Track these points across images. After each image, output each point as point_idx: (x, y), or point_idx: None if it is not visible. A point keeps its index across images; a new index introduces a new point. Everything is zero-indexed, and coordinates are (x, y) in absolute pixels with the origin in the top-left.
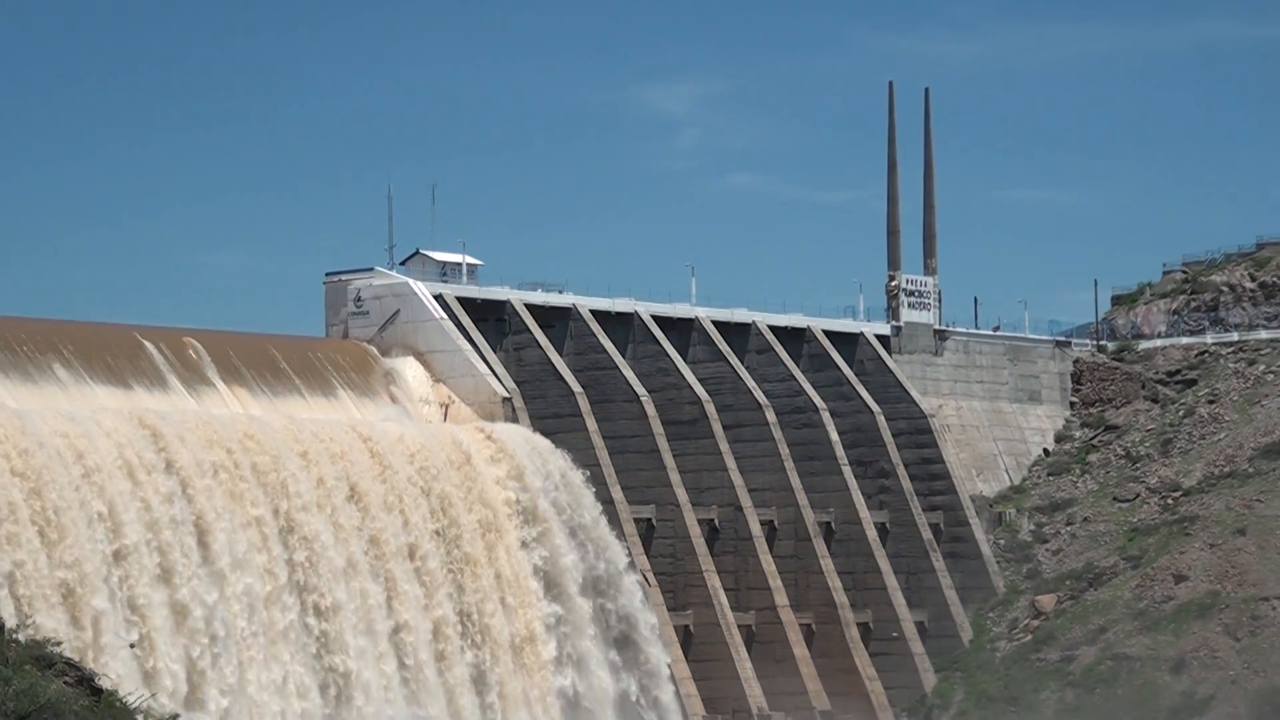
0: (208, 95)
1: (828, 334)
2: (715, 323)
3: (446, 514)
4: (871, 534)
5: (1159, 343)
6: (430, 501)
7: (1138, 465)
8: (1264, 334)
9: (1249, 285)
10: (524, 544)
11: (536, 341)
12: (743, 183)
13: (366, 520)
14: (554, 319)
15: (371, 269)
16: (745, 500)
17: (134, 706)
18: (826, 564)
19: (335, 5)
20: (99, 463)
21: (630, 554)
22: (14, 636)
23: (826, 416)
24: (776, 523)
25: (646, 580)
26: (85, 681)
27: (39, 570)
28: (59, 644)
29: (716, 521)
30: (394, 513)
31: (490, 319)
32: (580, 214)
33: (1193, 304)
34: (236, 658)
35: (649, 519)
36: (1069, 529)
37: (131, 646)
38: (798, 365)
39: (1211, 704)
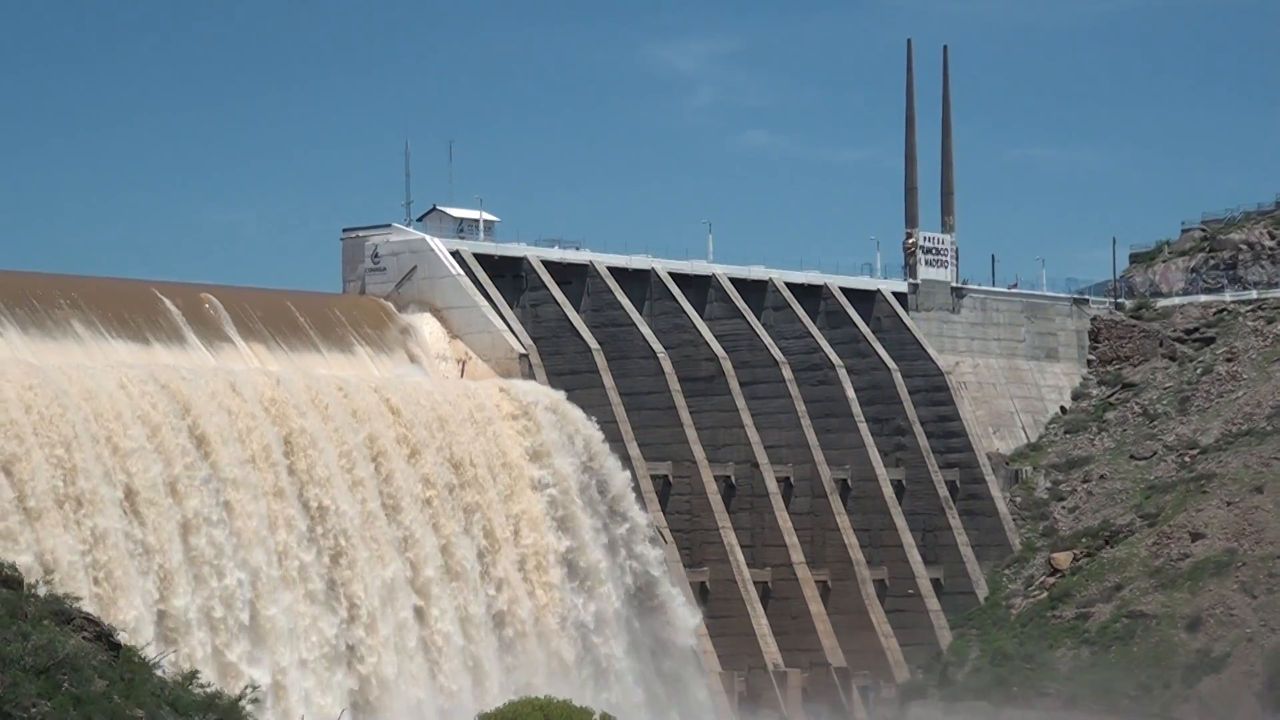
0: (226, 51)
1: (845, 291)
2: (732, 280)
3: (464, 469)
4: (888, 491)
5: (1177, 300)
6: (447, 457)
7: (1155, 423)
8: None
9: (1268, 243)
10: (541, 499)
11: (553, 298)
12: (758, 140)
13: (384, 475)
14: (571, 276)
15: (389, 225)
16: (762, 457)
17: (153, 661)
18: (843, 521)
19: None
20: (117, 418)
21: (647, 510)
22: (33, 591)
23: (843, 374)
24: (793, 480)
25: (663, 537)
26: (104, 636)
27: (57, 525)
28: (78, 599)
29: (733, 478)
30: (411, 468)
31: (507, 275)
32: (596, 171)
33: (1211, 262)
34: (255, 612)
35: (665, 475)
36: (1085, 486)
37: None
38: (814, 322)
39: (1227, 662)
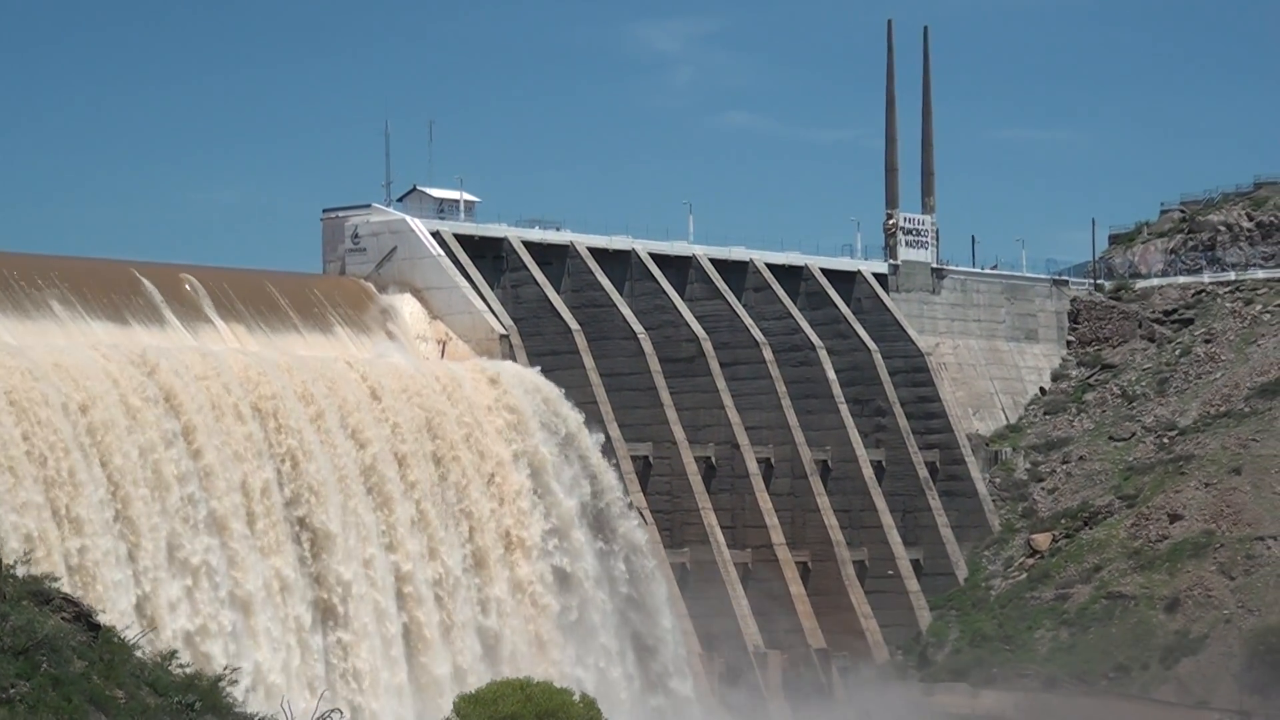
0: (206, 32)
1: (825, 272)
2: (713, 260)
3: (444, 451)
4: (868, 472)
5: (1156, 282)
6: (427, 438)
7: (1134, 404)
8: (1260, 274)
9: (1246, 225)
10: (521, 479)
11: (534, 279)
12: (739, 121)
13: (363, 457)
14: (551, 256)
15: (369, 205)
16: (742, 438)
17: (132, 642)
18: (823, 502)
19: None
20: (97, 398)
21: (627, 491)
22: (12, 572)
23: (823, 355)
24: (773, 461)
25: (643, 518)
26: (83, 617)
27: (36, 505)
28: (57, 579)
29: (713, 459)
30: (392, 450)
31: (488, 256)
32: (577, 151)
33: (1190, 243)
34: (234, 593)
35: (646, 456)
36: (1065, 468)
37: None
38: (795, 303)
39: (1206, 643)
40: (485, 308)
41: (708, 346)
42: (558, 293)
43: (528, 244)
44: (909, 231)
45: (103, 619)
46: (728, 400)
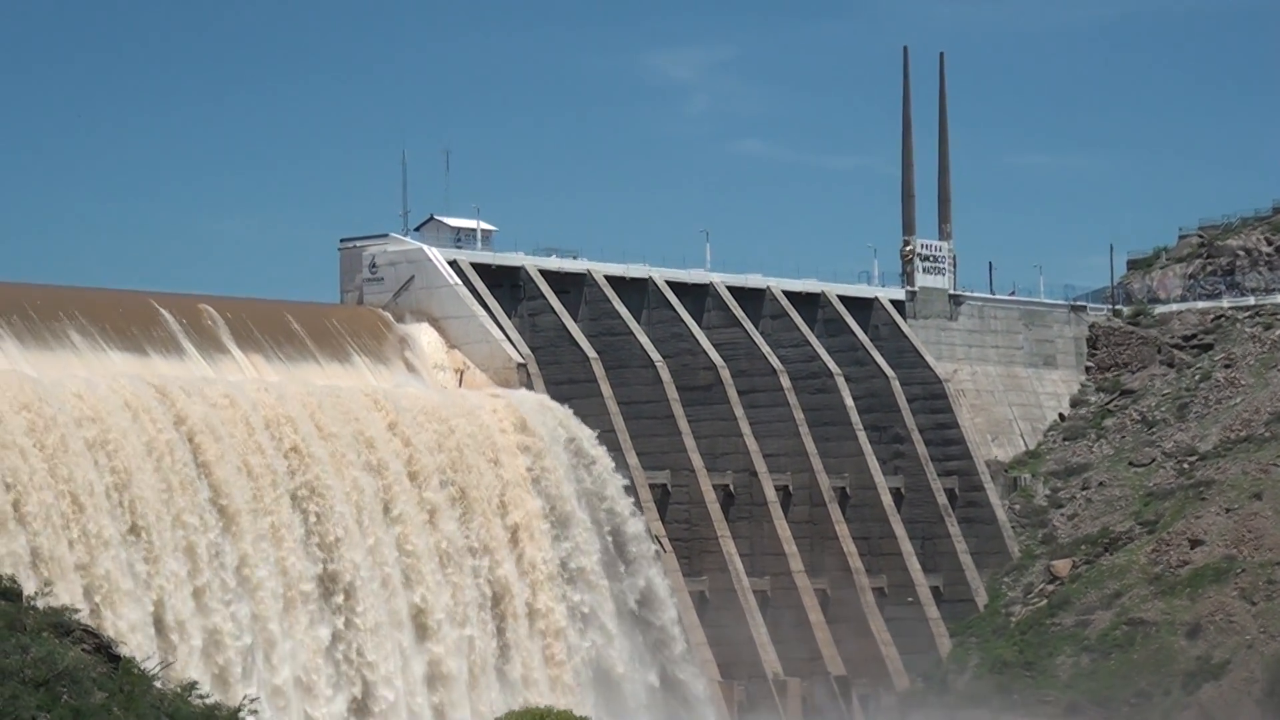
0: (222, 61)
1: (842, 299)
2: (730, 288)
3: (462, 479)
4: (886, 499)
5: (1175, 307)
6: (446, 468)
7: (1153, 430)
8: None
9: (1265, 249)
10: (539, 508)
11: (551, 307)
12: (754, 148)
13: (382, 486)
14: (568, 285)
15: (386, 235)
16: (760, 466)
17: (152, 673)
18: (841, 529)
19: None
20: (115, 429)
21: (645, 520)
22: (32, 604)
23: (841, 381)
24: (791, 488)
25: (661, 546)
26: (103, 649)
27: (56, 537)
28: (77, 611)
29: (731, 487)
30: (410, 479)
31: (505, 285)
32: (593, 180)
33: (1209, 268)
34: (254, 624)
35: (664, 484)
36: (1084, 494)
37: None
38: (812, 330)
39: (1227, 668)
40: (503, 336)
41: (725, 374)
42: (575, 321)
43: (545, 272)
44: (926, 258)
45: None
46: (745, 428)
